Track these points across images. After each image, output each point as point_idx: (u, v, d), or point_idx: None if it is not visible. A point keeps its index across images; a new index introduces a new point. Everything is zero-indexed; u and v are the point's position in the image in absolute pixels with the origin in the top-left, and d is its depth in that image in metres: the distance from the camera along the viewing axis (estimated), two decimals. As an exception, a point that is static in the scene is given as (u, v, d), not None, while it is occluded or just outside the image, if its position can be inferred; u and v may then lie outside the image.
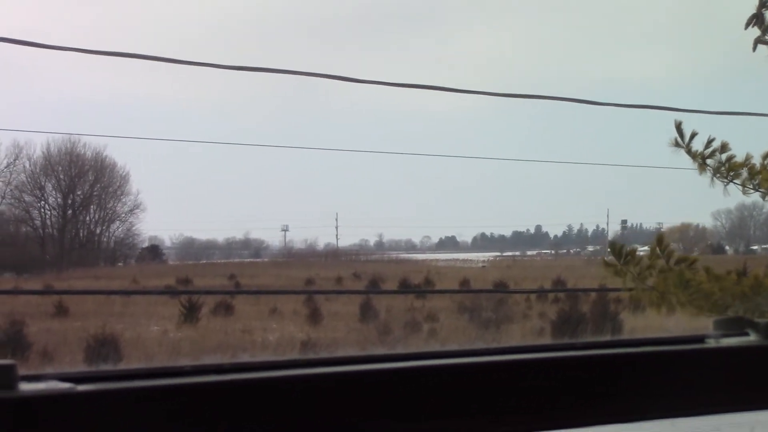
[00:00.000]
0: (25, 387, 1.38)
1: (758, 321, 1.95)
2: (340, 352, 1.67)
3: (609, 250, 8.20)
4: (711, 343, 1.94)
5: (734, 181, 7.65)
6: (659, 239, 7.84)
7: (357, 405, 1.60)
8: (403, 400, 1.63)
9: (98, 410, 1.39)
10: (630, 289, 8.06)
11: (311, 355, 1.80)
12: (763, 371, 1.93)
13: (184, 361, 1.53)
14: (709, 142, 7.60)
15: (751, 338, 1.96)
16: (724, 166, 7.59)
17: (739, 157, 7.73)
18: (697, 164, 7.66)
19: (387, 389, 1.63)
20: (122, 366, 1.47)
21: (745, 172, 7.58)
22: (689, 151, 7.62)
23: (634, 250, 7.94)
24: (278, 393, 1.54)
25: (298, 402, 1.55)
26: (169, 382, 1.44)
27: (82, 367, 1.63)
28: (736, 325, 1.96)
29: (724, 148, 7.61)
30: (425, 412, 1.65)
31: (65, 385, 1.40)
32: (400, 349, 1.74)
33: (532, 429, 1.76)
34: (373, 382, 1.62)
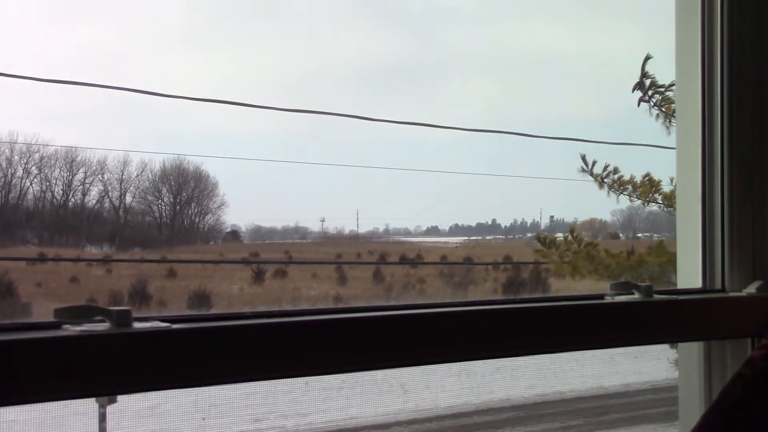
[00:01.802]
0: (137, 325, 1.36)
1: (639, 284, 1.93)
2: (356, 303, 1.65)
3: (536, 239, 8.54)
4: (608, 299, 1.92)
5: (623, 193, 7.95)
6: (572, 230, 8.26)
7: (366, 340, 1.58)
8: (401, 336, 1.62)
9: (187, 342, 1.37)
10: (553, 263, 8.29)
11: (339, 305, 1.77)
12: (641, 318, 1.91)
13: (257, 308, 1.51)
14: (605, 167, 7.95)
15: (636, 296, 1.94)
16: (615, 184, 7.92)
17: (627, 176, 8.02)
18: (597, 183, 7.98)
19: (387, 330, 1.61)
20: (205, 311, 1.45)
21: (630, 187, 7.89)
22: (591, 174, 7.97)
23: (554, 239, 8.33)
24: (314, 332, 1.52)
25: (330, 338, 1.53)
26: (234, 323, 1.42)
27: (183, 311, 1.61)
28: (625, 287, 1.94)
29: (615, 170, 7.94)
30: (414, 343, 1.64)
31: (164, 324, 1.38)
32: (397, 302, 1.72)
33: (480, 357, 1.74)
34: (377, 324, 1.61)
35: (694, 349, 2.11)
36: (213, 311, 1.48)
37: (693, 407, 2.10)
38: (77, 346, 1.28)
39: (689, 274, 2.15)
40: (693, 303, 1.99)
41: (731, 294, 2.06)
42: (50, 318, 1.33)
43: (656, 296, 1.93)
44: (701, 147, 2.11)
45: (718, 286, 2.09)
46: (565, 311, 1.83)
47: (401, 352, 1.61)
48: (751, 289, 2.06)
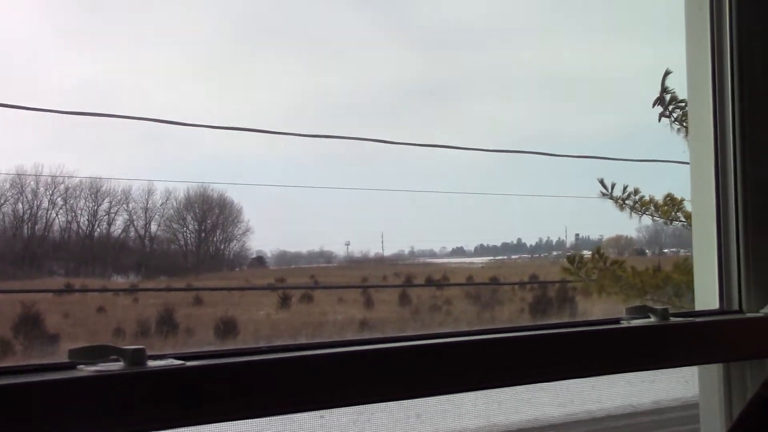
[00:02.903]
0: (152, 363, 1.37)
1: (656, 307, 1.93)
2: (380, 333, 1.66)
3: (566, 259, 8.50)
4: (623, 324, 1.92)
5: (645, 213, 7.92)
6: (598, 250, 8.21)
7: (383, 372, 1.59)
8: (414, 367, 1.63)
9: (201, 380, 1.38)
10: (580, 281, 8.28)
11: (363, 331, 1.78)
12: (657, 342, 1.91)
13: (282, 335, 1.51)
14: (625, 188, 7.91)
15: (652, 320, 1.94)
16: (637, 205, 7.88)
17: (647, 195, 8.00)
18: (618, 206, 7.96)
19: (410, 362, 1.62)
20: (220, 347, 1.45)
21: (651, 207, 7.85)
22: (612, 197, 7.94)
23: (582, 257, 8.26)
24: (329, 365, 1.52)
25: (346, 371, 1.54)
26: (248, 359, 1.43)
27: (206, 343, 1.61)
28: (641, 311, 1.94)
29: (635, 192, 7.91)
30: (427, 373, 1.64)
31: (178, 362, 1.39)
32: (415, 330, 1.73)
33: (494, 386, 1.75)
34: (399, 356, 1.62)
35: (713, 369, 2.10)
36: (221, 348, 1.49)
37: (714, 428, 2.09)
38: (92, 386, 1.30)
39: (706, 295, 2.14)
40: (710, 325, 1.99)
41: (749, 315, 2.06)
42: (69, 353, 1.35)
43: (673, 319, 1.93)
44: (714, 167, 2.11)
45: (736, 307, 2.08)
46: (581, 337, 1.83)
47: (415, 382, 1.62)
48: (769, 309, 2.06)
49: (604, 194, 7.97)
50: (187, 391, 1.36)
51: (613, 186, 7.96)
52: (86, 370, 1.32)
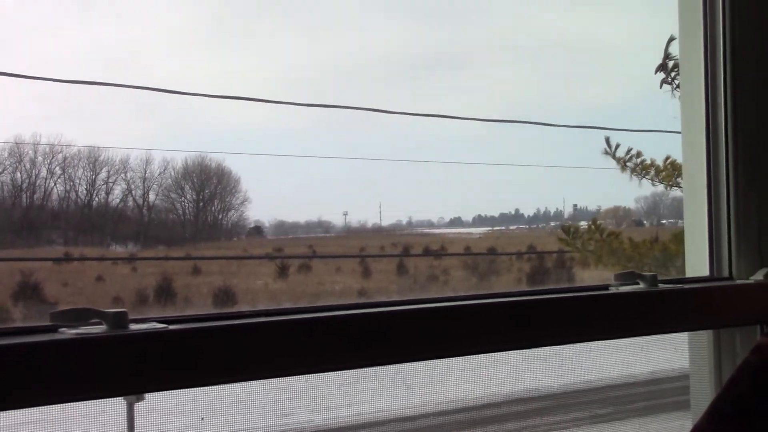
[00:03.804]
0: (134, 327, 1.36)
1: (645, 274, 1.93)
2: (382, 298, 1.65)
3: (561, 229, 8.49)
4: (612, 290, 1.91)
5: (645, 177, 7.86)
6: (594, 221, 8.19)
7: (373, 336, 1.58)
8: (409, 331, 1.62)
9: (182, 342, 1.37)
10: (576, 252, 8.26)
11: (361, 299, 1.78)
12: (646, 308, 1.90)
13: (280, 305, 1.50)
14: (628, 151, 7.83)
15: (641, 286, 1.93)
16: (638, 167, 7.81)
17: (649, 161, 7.93)
18: (620, 166, 7.87)
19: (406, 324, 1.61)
20: (203, 311, 1.44)
21: (652, 171, 7.79)
22: (614, 157, 7.86)
23: (579, 228, 8.26)
24: (314, 329, 1.52)
25: (331, 336, 1.53)
26: (231, 322, 1.42)
27: (211, 309, 1.61)
28: (630, 277, 1.93)
29: (638, 154, 7.83)
30: (419, 338, 1.64)
31: (161, 326, 1.38)
32: (412, 296, 1.72)
33: (481, 351, 1.74)
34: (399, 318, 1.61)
35: (703, 337, 2.10)
36: (203, 312, 1.48)
37: (704, 395, 2.09)
38: (74, 349, 1.29)
39: (697, 263, 2.14)
40: (699, 291, 1.98)
41: (738, 282, 2.05)
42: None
43: (661, 285, 1.93)
44: (705, 135, 2.10)
45: (726, 274, 2.08)
46: (570, 302, 1.82)
47: (409, 347, 1.61)
48: (759, 276, 2.05)
49: (607, 152, 7.91)
50: (170, 354, 1.35)
51: (617, 146, 7.91)
52: (68, 333, 1.32)
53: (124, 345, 1.32)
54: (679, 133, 2.23)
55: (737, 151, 2.07)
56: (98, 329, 1.34)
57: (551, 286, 1.86)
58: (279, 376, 1.47)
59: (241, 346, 1.41)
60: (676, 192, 8.14)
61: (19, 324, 1.31)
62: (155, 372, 1.34)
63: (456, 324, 1.67)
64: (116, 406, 1.51)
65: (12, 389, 1.25)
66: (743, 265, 2.06)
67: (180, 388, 1.39)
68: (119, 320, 1.33)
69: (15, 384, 1.24)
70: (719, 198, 2.08)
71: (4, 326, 1.27)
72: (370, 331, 1.56)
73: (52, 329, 1.33)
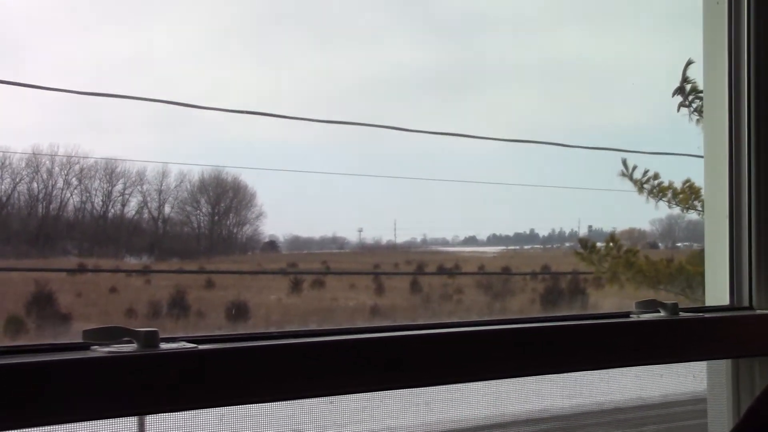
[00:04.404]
0: (164, 346, 1.38)
1: (665, 302, 1.94)
2: (391, 320, 1.67)
3: (579, 243, 8.46)
4: (633, 318, 1.93)
5: (662, 199, 7.85)
6: (612, 236, 8.16)
7: (394, 359, 1.60)
8: (419, 357, 1.63)
9: (213, 363, 1.39)
10: (591, 272, 8.25)
11: (375, 317, 1.80)
12: (667, 336, 1.92)
13: (293, 319, 1.52)
14: (645, 173, 7.83)
15: (661, 314, 1.94)
16: (655, 189, 7.80)
17: (667, 183, 7.93)
18: (637, 188, 7.87)
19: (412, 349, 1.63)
20: (231, 330, 1.46)
21: (669, 194, 7.79)
22: (631, 179, 7.86)
23: (595, 244, 8.24)
24: (338, 351, 1.53)
25: (354, 358, 1.54)
26: (259, 343, 1.44)
27: (217, 326, 1.63)
28: (651, 305, 1.95)
29: (655, 176, 7.83)
30: (434, 364, 1.65)
31: (190, 345, 1.40)
32: (425, 320, 1.73)
33: (504, 376, 1.75)
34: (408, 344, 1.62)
35: (722, 364, 2.11)
36: (232, 332, 1.50)
37: (721, 423, 2.10)
38: (106, 367, 1.31)
39: (717, 291, 2.15)
40: (720, 321, 1.99)
41: (759, 312, 2.06)
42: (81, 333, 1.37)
43: (682, 314, 1.94)
44: (728, 161, 2.11)
45: (746, 303, 2.08)
46: (591, 330, 1.84)
47: (424, 371, 1.63)
48: (779, 306, 2.06)
49: (624, 174, 7.91)
50: (199, 374, 1.37)
51: (634, 168, 7.92)
52: (100, 351, 1.34)
53: (155, 364, 1.34)
54: (697, 156, 2.24)
55: (759, 179, 2.08)
56: (129, 348, 1.36)
57: (573, 313, 1.87)
58: (305, 397, 1.49)
59: (268, 366, 1.43)
60: (692, 215, 8.11)
61: (49, 341, 1.33)
62: (185, 391, 1.36)
63: (475, 350, 1.69)
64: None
65: (44, 405, 1.27)
66: (764, 295, 2.07)
67: (209, 408, 1.41)
68: (150, 339, 1.35)
69: (48, 400, 1.26)
70: (741, 227, 2.09)
71: (38, 343, 1.30)
72: (388, 358, 1.58)
73: (84, 347, 1.36)
